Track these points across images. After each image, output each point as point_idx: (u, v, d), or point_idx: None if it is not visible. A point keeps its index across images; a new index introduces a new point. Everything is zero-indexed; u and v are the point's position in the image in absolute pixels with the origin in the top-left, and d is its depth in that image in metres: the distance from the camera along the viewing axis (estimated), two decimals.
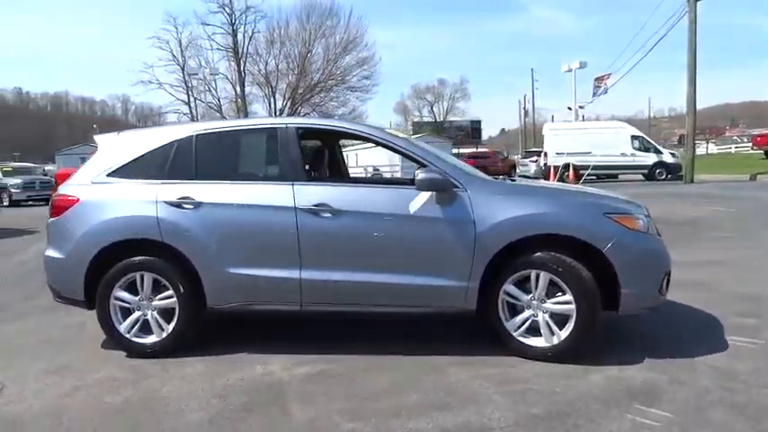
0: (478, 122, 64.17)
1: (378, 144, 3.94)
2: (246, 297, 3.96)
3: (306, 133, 4.16)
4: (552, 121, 44.04)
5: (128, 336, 4.07)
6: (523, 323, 3.79)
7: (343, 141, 5.67)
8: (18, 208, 21.44)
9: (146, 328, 4.08)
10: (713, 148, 47.98)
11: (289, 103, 38.57)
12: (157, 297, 4.04)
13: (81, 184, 4.21)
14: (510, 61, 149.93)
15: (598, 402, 3.12)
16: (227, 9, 37.65)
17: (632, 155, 24.10)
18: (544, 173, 24.15)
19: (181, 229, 3.94)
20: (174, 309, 4.02)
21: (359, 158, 33.41)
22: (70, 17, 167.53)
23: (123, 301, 4.06)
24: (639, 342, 4.13)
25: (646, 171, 24.18)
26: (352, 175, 6.50)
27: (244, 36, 38.59)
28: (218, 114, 38.60)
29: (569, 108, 34.02)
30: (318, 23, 39.40)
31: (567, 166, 23.27)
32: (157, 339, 4.05)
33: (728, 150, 44.72)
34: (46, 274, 4.27)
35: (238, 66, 38.06)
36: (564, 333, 3.68)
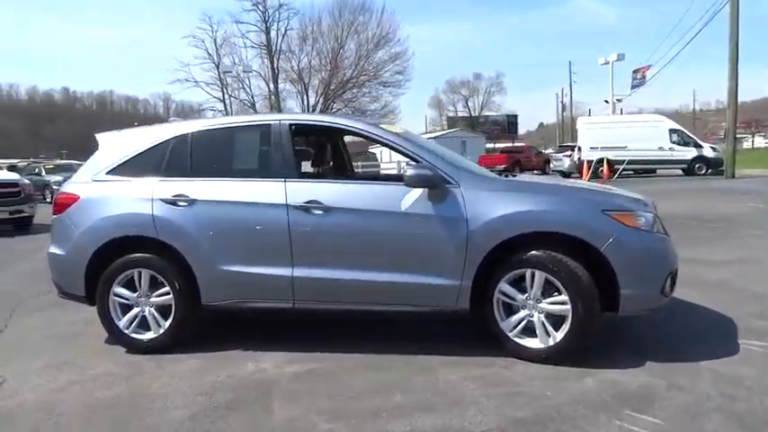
0: (515, 117, 63.42)
1: (369, 140, 3.88)
2: (240, 294, 3.96)
3: (300, 130, 4.13)
4: (589, 114, 43.16)
5: (126, 331, 4.12)
6: (519, 323, 3.68)
7: None
8: None
9: (144, 325, 4.13)
10: (761, 142, 46.17)
11: (321, 99, 38.83)
12: (155, 294, 4.08)
13: (82, 182, 4.29)
14: (548, 55, 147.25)
15: (588, 407, 3.00)
16: (260, 7, 38.25)
17: (670, 149, 23.32)
18: (578, 167, 23.62)
19: (175, 226, 3.96)
20: (170, 305, 4.05)
21: (393, 154, 33.35)
22: (115, 19, 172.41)
23: (122, 297, 4.12)
24: (645, 344, 3.97)
25: (685, 166, 23.39)
26: (361, 172, 6.44)
27: (277, 33, 39.15)
28: (252, 111, 39.11)
29: (606, 101, 33.14)
30: (351, 19, 39.64)
31: (601, 161, 22.75)
32: (154, 335, 4.09)
33: None
34: (50, 270, 4.36)
35: (271, 63, 38.52)
36: (560, 334, 3.56)
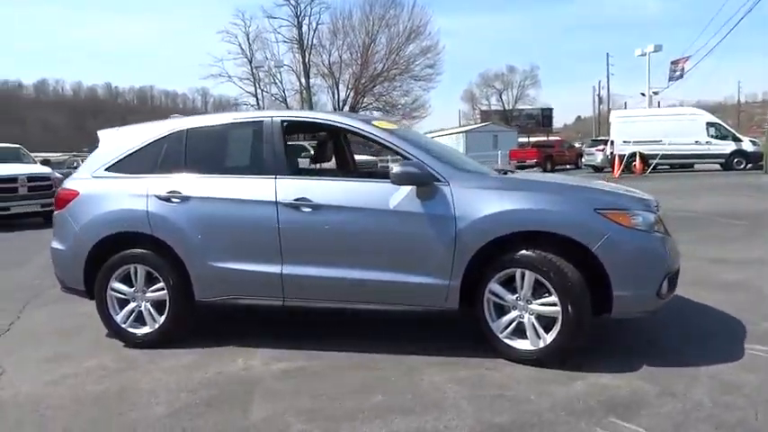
0: (549, 110, 62.23)
1: (359, 137, 3.82)
2: (231, 291, 3.97)
3: (291, 127, 4.10)
4: (625, 107, 42.10)
5: (123, 326, 4.18)
6: (509, 324, 3.59)
7: None
8: None
9: (141, 319, 4.18)
10: None
11: (352, 94, 38.89)
12: (150, 289, 4.12)
13: (82, 179, 4.36)
14: (585, 46, 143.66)
15: (571, 413, 2.90)
16: (292, 1, 38.54)
17: (707, 143, 22.49)
18: (610, 162, 23.08)
19: (169, 222, 3.99)
20: (165, 301, 4.09)
21: None
22: (153, 15, 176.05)
23: (119, 292, 4.17)
24: (645, 347, 3.83)
25: (723, 160, 22.52)
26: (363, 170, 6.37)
27: (308, 28, 39.39)
28: (283, 106, 39.44)
29: (642, 94, 32.15)
30: (381, 13, 39.57)
31: (633, 155, 22.19)
32: (149, 330, 4.13)
33: None
34: (53, 265, 4.46)
35: (303, 57, 38.80)
36: (550, 336, 3.46)
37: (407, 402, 3.11)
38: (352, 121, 4.08)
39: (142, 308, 4.16)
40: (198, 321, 4.40)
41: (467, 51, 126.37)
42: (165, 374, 3.67)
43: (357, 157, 9.56)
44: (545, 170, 29.10)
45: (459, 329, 4.12)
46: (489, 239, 3.48)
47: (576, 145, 36.54)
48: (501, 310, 3.63)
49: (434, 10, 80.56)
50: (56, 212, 4.40)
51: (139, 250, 4.10)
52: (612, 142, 23.38)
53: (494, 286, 3.58)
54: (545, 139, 42.87)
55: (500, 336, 3.60)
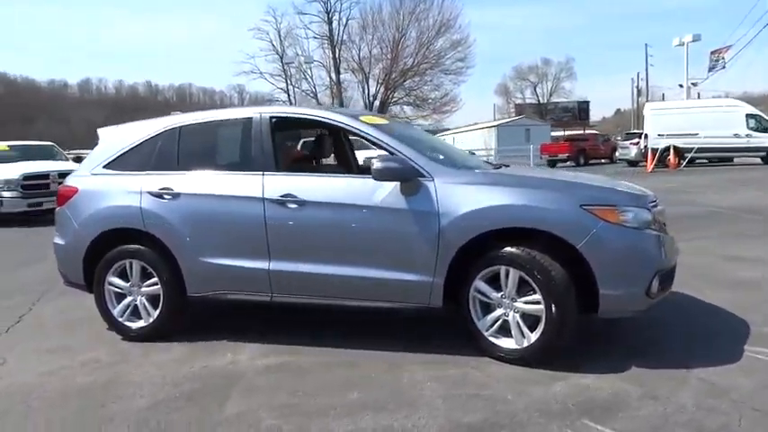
0: (586, 103, 61.02)
1: (344, 131, 3.79)
2: (221, 287, 4.01)
3: (280, 123, 4.10)
4: (663, 99, 40.94)
5: (120, 319, 4.27)
6: (495, 322, 3.52)
7: None
8: None
9: (136, 313, 4.26)
10: None
11: (382, 89, 38.85)
12: (145, 284, 4.20)
13: (82, 176, 4.47)
14: (622, 37, 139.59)
15: (544, 414, 2.83)
16: None
17: (747, 136, 21.62)
18: (644, 155, 22.47)
19: (161, 218, 4.05)
20: (159, 295, 4.16)
21: (455, 142, 33.04)
22: (193, 14, 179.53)
23: (116, 286, 4.26)
24: (640, 346, 3.71)
25: (764, 154, 21.67)
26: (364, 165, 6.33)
27: (338, 23, 39.45)
28: (314, 101, 39.69)
29: (680, 86, 31.11)
30: (411, 7, 39.37)
31: (668, 149, 21.54)
32: (144, 324, 4.21)
33: None
34: (56, 260, 4.58)
35: (333, 53, 38.93)
36: (534, 335, 3.38)
37: (382, 400, 3.08)
38: (338, 116, 4.06)
39: (138, 302, 4.24)
40: (194, 316, 4.47)
41: (500, 45, 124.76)
42: (154, 368, 3.73)
43: (368, 152, 9.61)
44: (578, 164, 28.55)
45: (453, 327, 4.06)
46: (472, 236, 3.42)
47: (614, 139, 35.71)
48: (487, 308, 3.57)
49: (464, 3, 79.36)
50: (57, 209, 4.52)
51: (134, 246, 4.18)
52: (647, 135, 22.75)
53: (479, 284, 3.52)
54: (580, 132, 42.02)
55: (485, 334, 3.54)
